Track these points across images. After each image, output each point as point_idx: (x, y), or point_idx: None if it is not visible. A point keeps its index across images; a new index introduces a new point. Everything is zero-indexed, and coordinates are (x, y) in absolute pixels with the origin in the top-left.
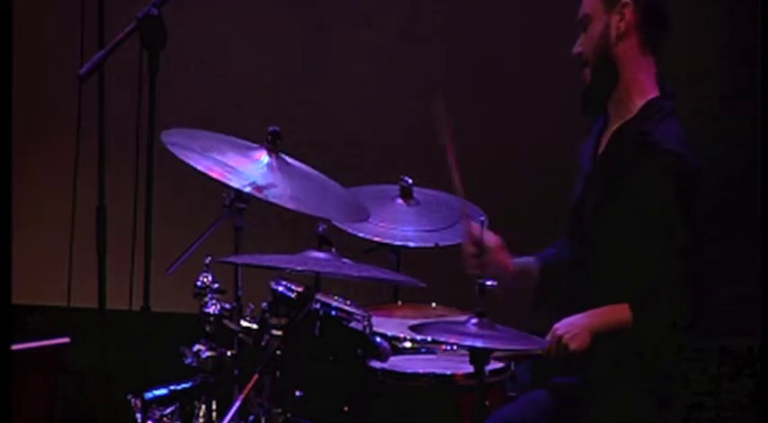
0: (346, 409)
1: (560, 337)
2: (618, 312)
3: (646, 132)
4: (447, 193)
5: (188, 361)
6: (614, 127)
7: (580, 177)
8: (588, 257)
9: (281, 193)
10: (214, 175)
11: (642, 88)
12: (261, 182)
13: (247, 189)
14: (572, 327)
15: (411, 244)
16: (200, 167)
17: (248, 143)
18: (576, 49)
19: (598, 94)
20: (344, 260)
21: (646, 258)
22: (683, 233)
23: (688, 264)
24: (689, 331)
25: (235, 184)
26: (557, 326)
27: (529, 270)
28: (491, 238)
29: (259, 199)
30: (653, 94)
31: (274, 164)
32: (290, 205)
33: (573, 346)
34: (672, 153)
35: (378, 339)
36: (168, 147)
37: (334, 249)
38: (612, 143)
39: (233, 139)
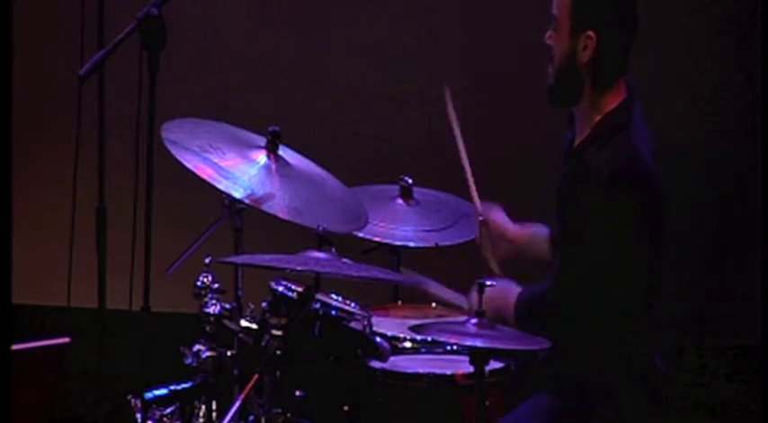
0: (346, 409)
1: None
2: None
3: (588, 158)
4: (447, 192)
5: (188, 361)
6: (576, 142)
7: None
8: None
9: (277, 202)
10: (207, 177)
11: (602, 107)
12: (258, 189)
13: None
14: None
15: (411, 244)
16: (193, 168)
17: (252, 135)
18: (547, 40)
19: (561, 99)
20: (344, 260)
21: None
22: (637, 252)
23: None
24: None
25: (229, 189)
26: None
27: (538, 239)
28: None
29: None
30: (611, 106)
31: (272, 166)
32: (285, 216)
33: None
34: (615, 179)
35: (378, 339)
36: (166, 143)
37: (334, 249)
38: (569, 166)
39: (237, 130)
